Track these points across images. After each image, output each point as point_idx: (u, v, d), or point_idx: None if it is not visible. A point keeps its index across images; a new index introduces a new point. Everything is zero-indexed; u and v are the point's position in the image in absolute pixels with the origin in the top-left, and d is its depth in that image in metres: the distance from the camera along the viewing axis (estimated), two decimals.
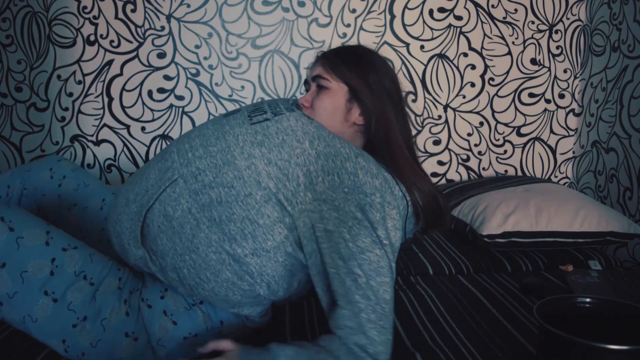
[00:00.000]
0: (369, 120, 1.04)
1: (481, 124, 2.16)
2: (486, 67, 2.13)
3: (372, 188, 0.91)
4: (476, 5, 2.08)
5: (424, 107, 2.13)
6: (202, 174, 0.93)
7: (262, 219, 0.91)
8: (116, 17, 1.98)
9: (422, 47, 2.09)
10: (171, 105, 2.05)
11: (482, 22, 2.09)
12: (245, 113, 1.02)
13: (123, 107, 2.04)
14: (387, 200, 0.92)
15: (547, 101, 2.17)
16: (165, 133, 2.07)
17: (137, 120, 2.05)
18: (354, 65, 1.04)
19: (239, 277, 0.94)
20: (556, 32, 2.13)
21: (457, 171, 2.19)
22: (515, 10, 2.09)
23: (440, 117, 2.14)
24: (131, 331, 0.96)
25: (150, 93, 2.04)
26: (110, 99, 2.03)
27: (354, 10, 2.04)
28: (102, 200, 1.27)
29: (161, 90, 2.04)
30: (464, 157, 2.18)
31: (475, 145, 2.18)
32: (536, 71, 2.15)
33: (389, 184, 0.96)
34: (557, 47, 2.14)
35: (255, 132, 0.96)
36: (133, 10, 1.98)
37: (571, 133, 2.20)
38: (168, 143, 2.07)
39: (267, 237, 0.92)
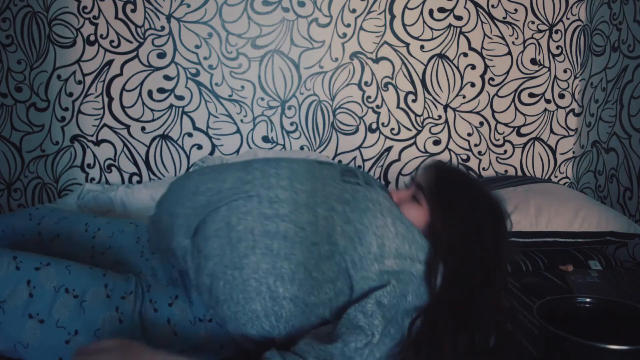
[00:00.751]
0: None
1: (481, 124, 2.16)
2: (486, 67, 2.12)
3: None
4: (476, 5, 2.07)
5: (424, 107, 2.13)
6: (279, 204, 0.93)
7: (316, 272, 0.89)
8: (116, 17, 1.98)
9: (422, 47, 2.09)
10: (171, 105, 2.05)
11: (482, 22, 2.09)
12: (338, 169, 1.04)
13: (123, 107, 2.04)
14: None
15: (547, 101, 2.17)
16: (165, 133, 2.07)
17: (137, 120, 2.05)
18: (457, 221, 0.96)
19: (265, 314, 0.90)
20: (556, 32, 2.13)
21: None
22: (515, 10, 2.09)
23: (440, 117, 2.14)
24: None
25: (150, 93, 2.03)
26: (110, 99, 2.03)
27: (354, 10, 2.04)
28: (85, 224, 1.21)
29: (161, 90, 2.04)
30: (464, 157, 2.18)
31: (475, 145, 2.18)
32: (536, 71, 2.15)
33: None
34: (557, 47, 2.14)
35: (344, 190, 0.97)
36: (133, 10, 1.98)
37: (571, 133, 2.20)
38: (168, 143, 2.07)
39: (312, 292, 0.89)
